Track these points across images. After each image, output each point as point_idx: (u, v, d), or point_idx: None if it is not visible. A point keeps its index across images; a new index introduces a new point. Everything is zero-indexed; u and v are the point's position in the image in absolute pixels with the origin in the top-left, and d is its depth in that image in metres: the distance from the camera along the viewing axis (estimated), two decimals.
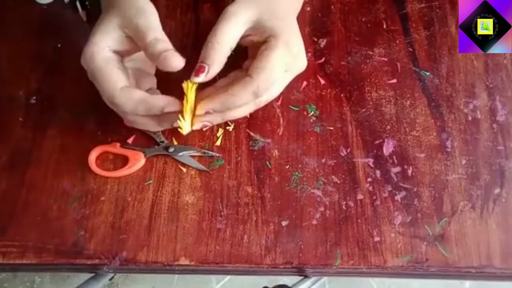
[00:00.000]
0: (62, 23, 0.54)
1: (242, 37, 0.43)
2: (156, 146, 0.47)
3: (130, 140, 0.48)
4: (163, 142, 0.47)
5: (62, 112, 0.49)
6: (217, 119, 0.44)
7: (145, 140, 0.48)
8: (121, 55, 0.44)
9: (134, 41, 0.42)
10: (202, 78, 0.41)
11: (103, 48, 0.41)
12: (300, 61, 0.45)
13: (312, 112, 0.49)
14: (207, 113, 0.43)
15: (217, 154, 0.47)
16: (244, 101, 0.42)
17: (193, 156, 0.47)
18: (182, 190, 0.46)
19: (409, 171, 0.46)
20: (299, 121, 0.49)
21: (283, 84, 0.45)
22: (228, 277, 1.14)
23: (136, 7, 0.41)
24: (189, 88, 0.43)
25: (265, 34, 0.43)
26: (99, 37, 0.42)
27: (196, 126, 0.43)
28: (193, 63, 0.42)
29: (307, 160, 0.47)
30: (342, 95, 0.50)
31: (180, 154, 0.47)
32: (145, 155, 0.46)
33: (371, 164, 0.47)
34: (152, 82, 0.48)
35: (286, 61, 0.43)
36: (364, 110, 0.49)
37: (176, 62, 0.40)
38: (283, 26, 0.43)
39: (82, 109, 0.49)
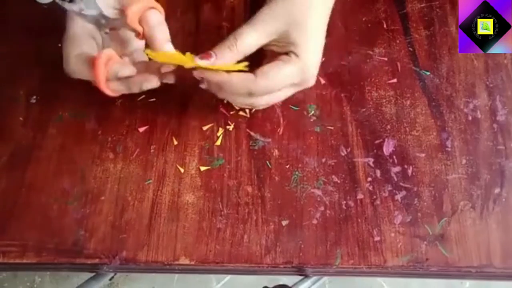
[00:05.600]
0: (62, 23, 0.53)
1: (263, 46, 0.43)
2: None
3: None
4: None
5: (62, 112, 0.49)
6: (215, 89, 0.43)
7: None
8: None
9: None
10: (203, 63, 0.41)
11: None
12: (310, 81, 0.44)
13: (312, 112, 0.49)
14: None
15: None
16: (236, 92, 0.42)
17: None
18: (182, 189, 0.46)
19: (409, 171, 0.46)
20: (299, 120, 0.49)
21: (285, 95, 0.44)
22: (228, 277, 1.14)
23: None
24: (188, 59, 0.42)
25: (288, 48, 0.42)
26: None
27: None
28: None
29: (307, 159, 0.47)
30: (342, 95, 0.50)
31: None
32: None
33: (371, 163, 0.47)
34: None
35: (296, 79, 0.42)
36: (364, 109, 0.49)
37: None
38: (308, 45, 0.42)
39: (82, 109, 0.49)
